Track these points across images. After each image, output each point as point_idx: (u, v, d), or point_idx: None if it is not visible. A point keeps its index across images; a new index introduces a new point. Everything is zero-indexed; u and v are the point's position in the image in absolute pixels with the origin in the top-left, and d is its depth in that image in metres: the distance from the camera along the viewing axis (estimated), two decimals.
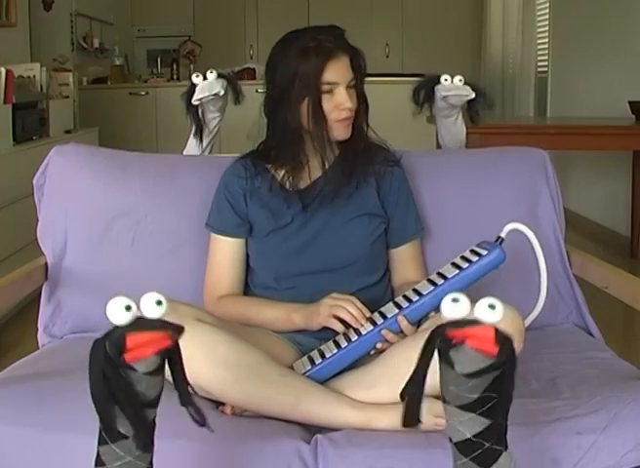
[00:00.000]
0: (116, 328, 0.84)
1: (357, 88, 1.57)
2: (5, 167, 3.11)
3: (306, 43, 1.51)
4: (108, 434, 0.89)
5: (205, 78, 1.98)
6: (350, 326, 1.42)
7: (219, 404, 1.34)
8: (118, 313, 0.84)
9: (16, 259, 2.89)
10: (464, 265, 1.41)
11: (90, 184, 1.80)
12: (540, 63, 5.94)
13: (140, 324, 0.84)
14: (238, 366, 1.27)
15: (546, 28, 5.73)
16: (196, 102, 1.99)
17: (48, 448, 1.24)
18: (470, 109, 2.13)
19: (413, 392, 0.93)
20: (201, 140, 2.12)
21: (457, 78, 2.04)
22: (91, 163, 1.83)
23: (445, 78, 2.04)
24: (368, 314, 1.43)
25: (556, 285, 1.79)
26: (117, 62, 6.21)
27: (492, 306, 0.86)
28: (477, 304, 0.87)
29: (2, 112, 3.26)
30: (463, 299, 0.87)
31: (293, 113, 1.53)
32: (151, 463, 0.93)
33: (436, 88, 2.06)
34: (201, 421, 0.91)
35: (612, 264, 1.72)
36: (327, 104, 1.52)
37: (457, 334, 0.87)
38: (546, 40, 5.74)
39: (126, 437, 0.88)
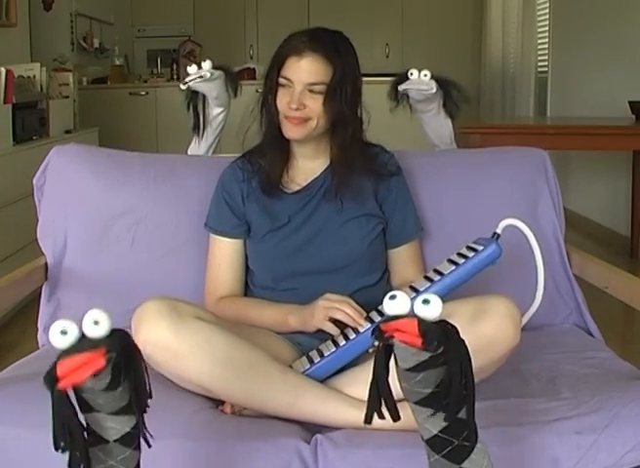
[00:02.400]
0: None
1: (329, 96, 1.50)
2: (5, 167, 3.11)
3: (290, 38, 1.54)
4: (89, 438, 0.87)
5: (200, 68, 2.04)
6: (347, 325, 1.42)
7: (218, 402, 1.34)
8: (56, 338, 0.81)
9: (16, 259, 2.89)
10: (460, 261, 1.41)
11: (90, 184, 1.80)
12: (540, 63, 5.94)
13: (74, 348, 0.81)
14: (238, 364, 1.28)
15: (546, 28, 5.72)
16: (183, 86, 2.04)
17: (48, 448, 1.23)
18: (445, 105, 2.14)
19: (374, 391, 0.92)
20: (199, 135, 2.13)
21: (422, 73, 2.05)
22: (91, 163, 1.83)
23: (411, 72, 2.05)
24: (364, 314, 1.43)
25: (556, 285, 1.79)
26: (117, 62, 6.21)
27: (426, 301, 0.86)
28: (415, 300, 0.87)
29: (2, 112, 3.26)
30: (402, 295, 0.87)
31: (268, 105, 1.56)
32: (138, 466, 0.92)
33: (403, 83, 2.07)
34: (147, 441, 0.90)
35: (612, 264, 1.72)
36: (281, 98, 1.54)
37: (387, 329, 0.87)
38: (546, 40, 5.74)
39: (107, 441, 0.87)
